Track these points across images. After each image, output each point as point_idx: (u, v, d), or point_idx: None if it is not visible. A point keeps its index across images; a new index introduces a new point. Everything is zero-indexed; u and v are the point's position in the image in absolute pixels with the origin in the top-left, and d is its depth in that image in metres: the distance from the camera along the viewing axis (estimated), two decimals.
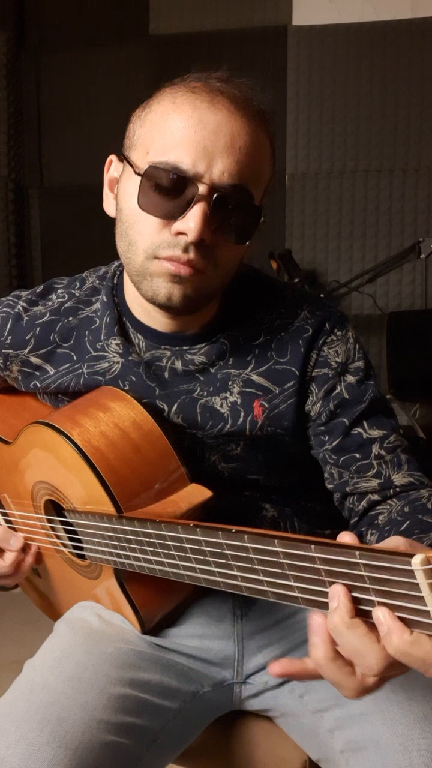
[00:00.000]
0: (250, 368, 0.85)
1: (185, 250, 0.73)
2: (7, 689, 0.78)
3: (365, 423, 0.85)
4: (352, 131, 2.82)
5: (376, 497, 0.85)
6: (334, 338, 0.86)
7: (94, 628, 0.85)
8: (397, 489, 0.84)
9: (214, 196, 0.72)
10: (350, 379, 0.86)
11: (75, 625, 0.87)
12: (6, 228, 2.91)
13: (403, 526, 0.77)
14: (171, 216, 0.73)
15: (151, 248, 0.75)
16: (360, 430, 0.85)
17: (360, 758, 0.73)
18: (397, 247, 2.82)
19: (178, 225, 0.72)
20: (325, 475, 0.89)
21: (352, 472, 0.85)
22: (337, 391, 0.85)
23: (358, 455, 0.85)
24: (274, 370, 0.85)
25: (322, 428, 0.86)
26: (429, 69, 2.72)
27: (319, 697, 0.82)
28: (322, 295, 2.68)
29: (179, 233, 0.73)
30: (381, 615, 0.48)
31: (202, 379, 0.86)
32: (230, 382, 0.85)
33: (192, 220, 0.71)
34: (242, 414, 0.85)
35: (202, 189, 0.71)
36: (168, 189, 0.72)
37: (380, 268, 2.79)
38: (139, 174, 0.73)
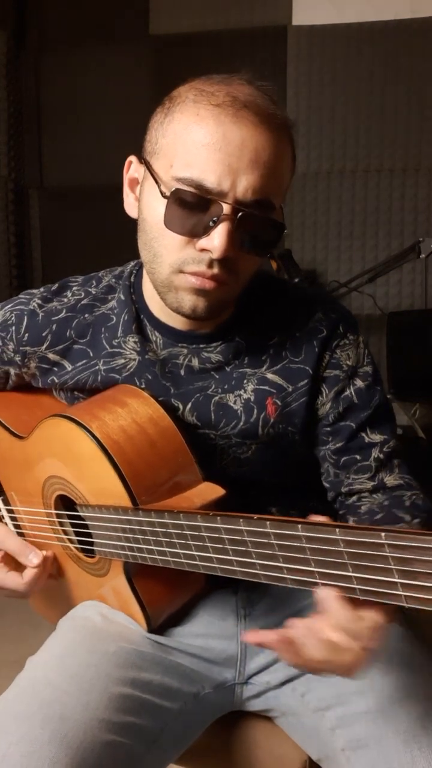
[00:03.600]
0: (265, 367, 0.87)
1: (210, 265, 0.75)
2: (6, 687, 0.78)
3: (369, 428, 0.88)
4: (352, 131, 2.82)
5: (365, 494, 0.89)
6: (347, 342, 0.89)
7: (97, 626, 0.85)
8: (387, 489, 0.88)
9: (239, 214, 0.72)
10: (359, 383, 0.88)
11: (78, 623, 0.87)
12: (6, 228, 2.91)
13: (377, 517, 0.83)
14: (196, 234, 0.74)
15: (177, 263, 0.76)
16: (363, 434, 0.88)
17: (362, 756, 0.73)
18: (397, 247, 2.82)
19: (204, 242, 0.74)
20: (321, 471, 0.92)
21: (350, 472, 0.88)
22: (346, 393, 0.88)
23: (358, 457, 0.88)
24: (288, 369, 0.87)
25: (328, 429, 0.89)
26: (429, 69, 2.72)
27: (320, 696, 0.82)
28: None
29: (204, 250, 0.74)
30: (323, 593, 0.56)
31: (217, 377, 0.87)
32: (245, 381, 0.86)
33: (217, 239, 0.72)
34: (255, 411, 0.86)
35: (226, 208, 0.72)
36: (192, 205, 0.73)
37: (380, 268, 2.79)
38: (165, 196, 0.74)
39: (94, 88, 2.97)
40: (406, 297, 2.86)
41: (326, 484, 0.92)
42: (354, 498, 0.89)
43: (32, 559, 0.89)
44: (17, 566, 0.91)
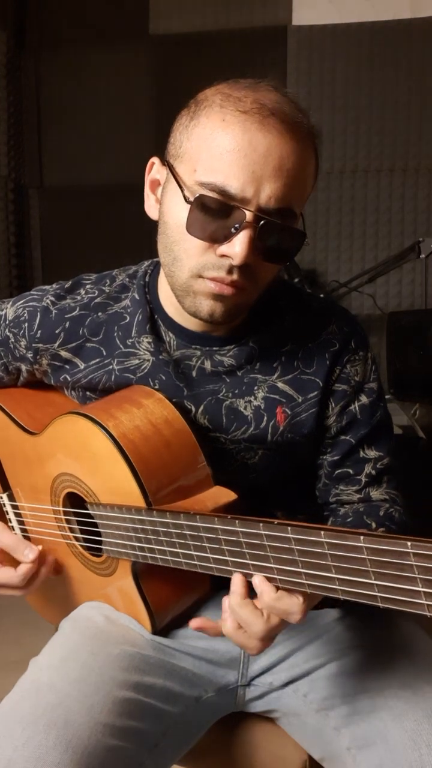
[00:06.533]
0: (276, 375, 0.87)
1: (229, 271, 0.75)
2: (7, 689, 0.78)
3: (366, 444, 0.90)
4: (352, 131, 2.82)
5: (349, 504, 0.92)
6: (357, 357, 0.90)
7: (100, 628, 0.85)
8: (371, 502, 0.90)
9: (261, 222, 0.72)
10: (363, 399, 0.90)
11: (81, 624, 0.87)
12: (6, 228, 2.90)
13: (347, 520, 0.87)
14: (217, 240, 0.74)
15: (196, 268, 0.76)
16: (360, 449, 0.90)
17: (368, 754, 0.73)
18: (397, 247, 2.82)
19: (224, 249, 0.74)
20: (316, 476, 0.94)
21: (341, 484, 0.91)
22: (350, 408, 0.89)
23: (351, 471, 0.91)
24: (299, 380, 0.87)
25: (329, 441, 0.91)
26: (429, 69, 2.72)
27: (323, 696, 0.82)
28: (321, 295, 2.68)
29: (224, 256, 0.74)
30: (258, 581, 0.63)
31: (228, 380, 0.87)
32: (255, 387, 0.87)
33: (238, 246, 0.72)
34: (265, 418, 0.87)
35: (249, 215, 0.72)
36: (215, 211, 0.72)
37: (380, 268, 2.79)
38: (188, 201, 0.73)
39: (94, 88, 2.96)
40: (406, 297, 2.86)
41: (316, 492, 0.94)
42: (337, 505, 0.92)
43: (27, 554, 0.89)
44: (13, 563, 0.91)
